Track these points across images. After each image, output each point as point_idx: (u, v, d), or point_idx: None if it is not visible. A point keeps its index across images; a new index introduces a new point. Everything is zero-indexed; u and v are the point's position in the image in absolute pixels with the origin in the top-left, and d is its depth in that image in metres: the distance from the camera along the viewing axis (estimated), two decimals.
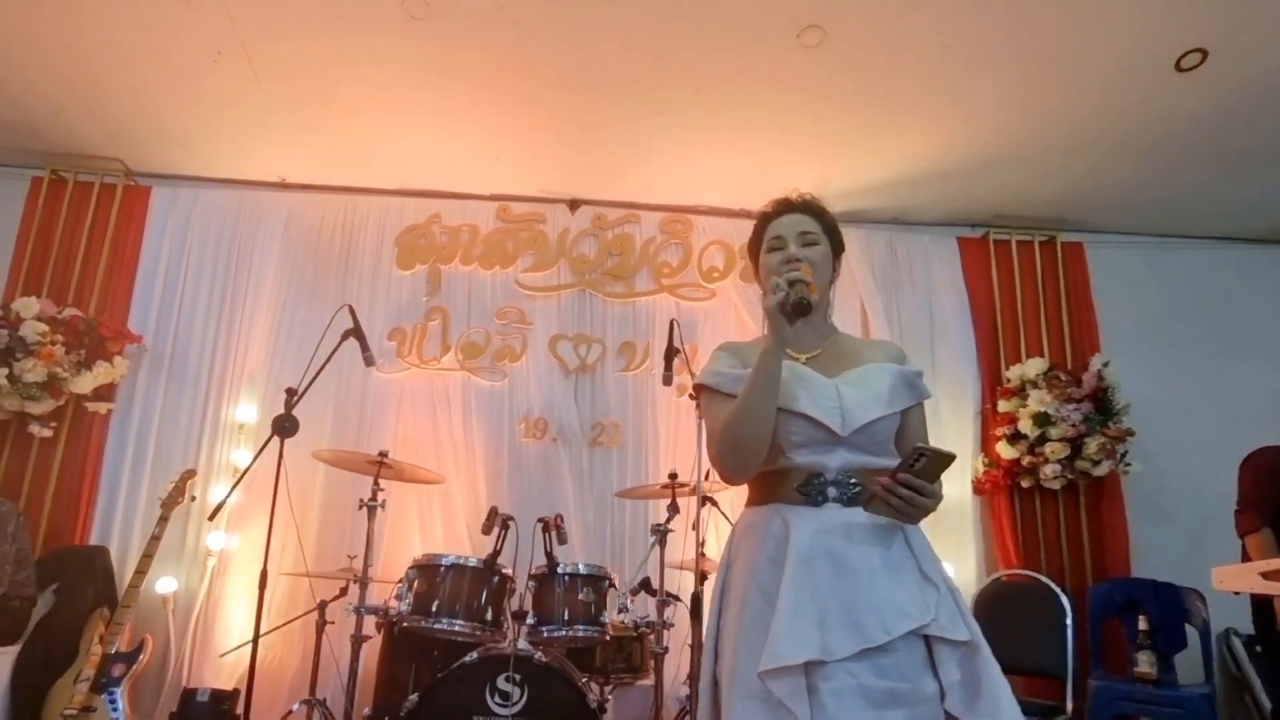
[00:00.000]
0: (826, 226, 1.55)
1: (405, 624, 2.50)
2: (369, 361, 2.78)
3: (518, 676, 2.27)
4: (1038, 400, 3.61)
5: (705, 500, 2.94)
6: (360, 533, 3.07)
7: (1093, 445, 3.54)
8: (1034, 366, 3.73)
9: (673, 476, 2.92)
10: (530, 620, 2.52)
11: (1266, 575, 2.11)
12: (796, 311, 1.31)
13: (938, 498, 1.28)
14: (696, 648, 2.44)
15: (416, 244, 3.94)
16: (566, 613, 2.51)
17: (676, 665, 3.04)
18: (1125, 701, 2.97)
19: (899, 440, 1.44)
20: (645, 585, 2.80)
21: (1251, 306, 4.22)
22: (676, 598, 2.81)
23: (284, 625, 2.89)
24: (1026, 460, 3.63)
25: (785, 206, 1.58)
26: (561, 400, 3.76)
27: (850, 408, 1.37)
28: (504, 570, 2.59)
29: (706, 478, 2.99)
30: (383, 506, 2.74)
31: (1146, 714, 3.02)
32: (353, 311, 2.76)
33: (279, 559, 2.66)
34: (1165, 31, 3.08)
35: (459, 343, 3.81)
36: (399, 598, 2.56)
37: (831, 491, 1.35)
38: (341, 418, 3.59)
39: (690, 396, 2.82)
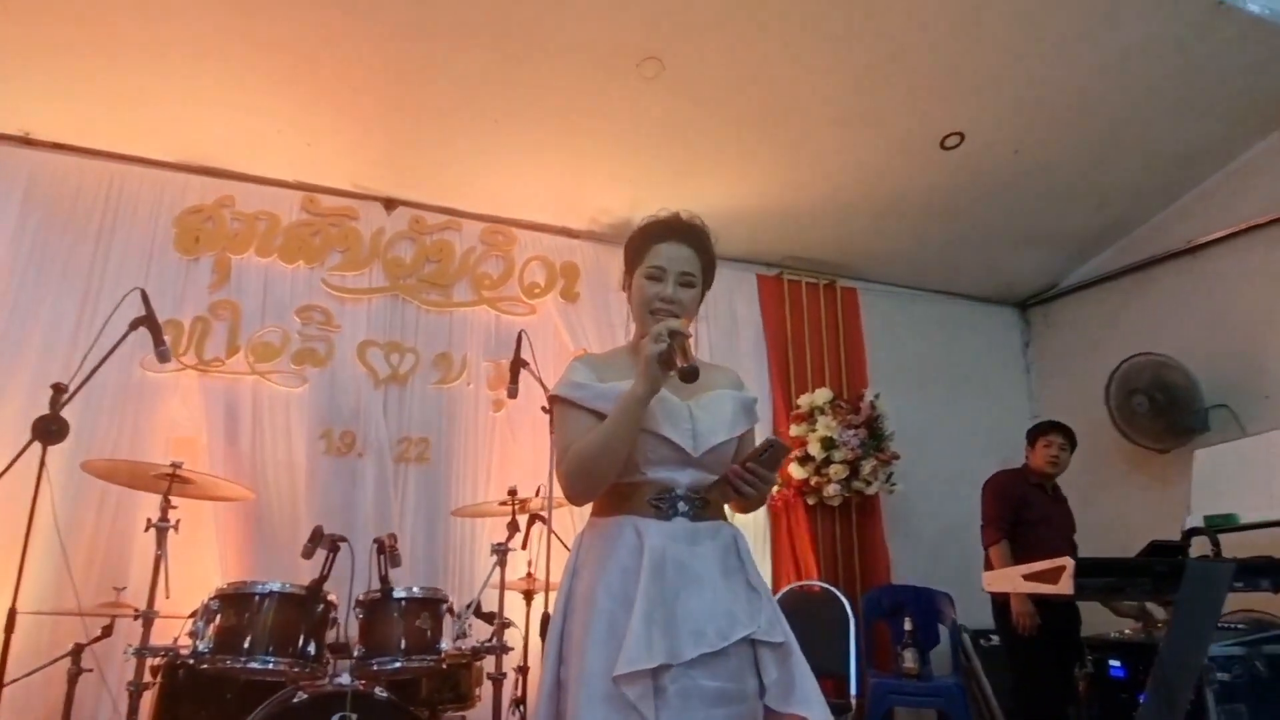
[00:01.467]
0: (705, 265, 1.57)
1: (205, 665, 2.13)
2: (163, 357, 2.36)
3: (354, 716, 2.04)
4: (825, 426, 4.02)
5: (536, 518, 2.89)
6: (126, 561, 2.58)
7: (867, 467, 4.02)
8: (821, 395, 4.16)
9: (512, 493, 2.83)
10: (358, 652, 2.27)
11: (1028, 577, 2.53)
12: (684, 377, 1.34)
13: (774, 484, 1.46)
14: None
15: (202, 227, 3.44)
16: (403, 641, 2.30)
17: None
18: (896, 694, 3.39)
19: (735, 458, 1.55)
20: (475, 608, 2.67)
21: (977, 354, 5.08)
22: (511, 622, 2.70)
23: (24, 678, 2.31)
24: (814, 480, 4.03)
25: (672, 233, 1.53)
26: (369, 411, 3.48)
27: (701, 431, 1.47)
28: (329, 598, 2.32)
29: (537, 494, 2.96)
30: (176, 528, 2.33)
31: (912, 704, 3.46)
32: (145, 297, 2.34)
33: (10, 595, 2.13)
34: (934, 113, 3.66)
35: (250, 342, 3.38)
36: (194, 634, 2.18)
37: (681, 506, 1.44)
38: (93, 421, 3.00)
39: (544, 410, 2.75)
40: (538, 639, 2.57)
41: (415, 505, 3.42)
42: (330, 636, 2.34)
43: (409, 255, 3.78)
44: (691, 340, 1.41)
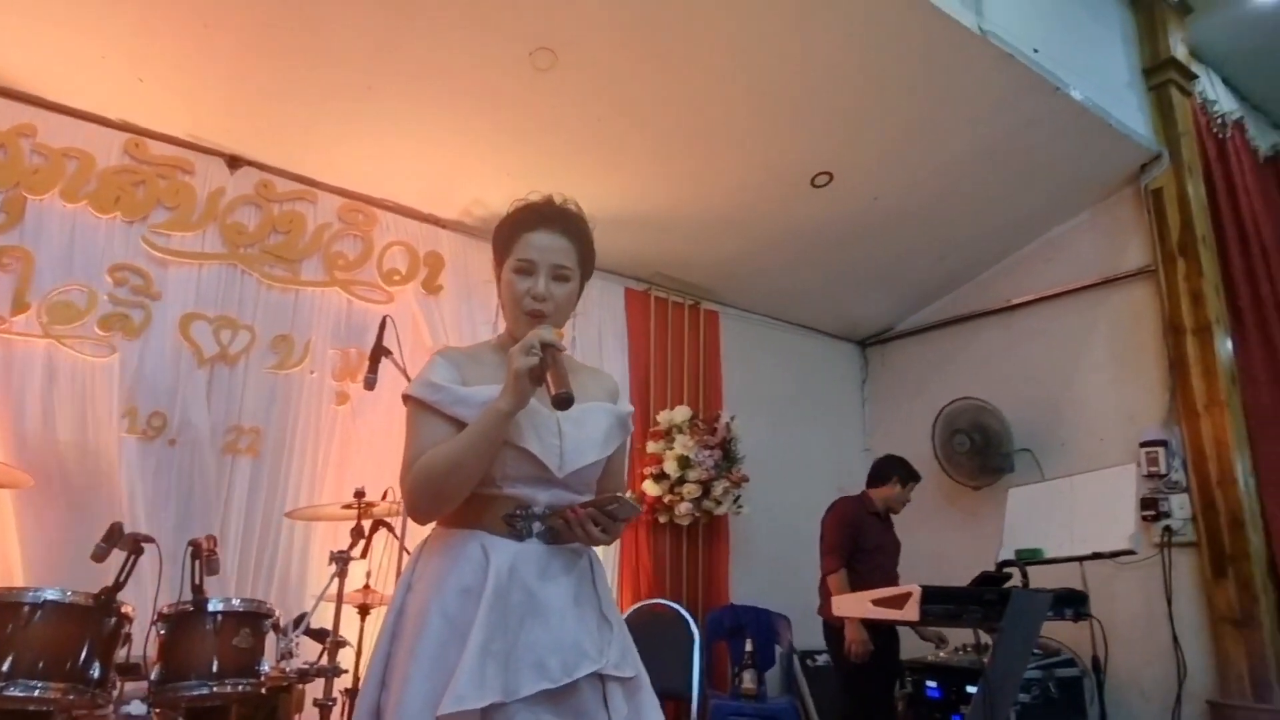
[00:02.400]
0: (582, 257, 1.43)
1: None
2: None
3: None
4: (682, 444, 4.03)
5: (380, 524, 2.64)
6: None
7: (719, 488, 4.06)
8: (680, 414, 4.17)
9: (359, 495, 2.54)
10: (155, 674, 1.92)
11: (875, 603, 2.63)
12: (557, 405, 1.22)
13: (615, 537, 1.37)
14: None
15: None
16: (215, 662, 1.97)
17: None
18: (735, 716, 3.42)
19: (602, 473, 1.46)
20: (299, 624, 2.37)
21: (821, 386, 5.33)
22: (345, 641, 2.41)
23: None
24: (667, 498, 4.01)
25: (544, 220, 1.38)
26: (188, 393, 3.04)
27: (569, 449, 1.35)
28: (124, 610, 1.94)
29: (384, 497, 2.71)
30: None
31: None
32: None
33: None
34: (806, 151, 3.82)
35: (45, 300, 2.85)
36: None
37: (536, 526, 1.32)
38: None
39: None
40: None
41: (242, 504, 3.01)
42: (121, 655, 1.97)
43: (252, 222, 3.37)
44: (566, 351, 1.29)
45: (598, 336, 4.28)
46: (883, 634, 3.40)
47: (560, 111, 3.38)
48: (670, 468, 4.00)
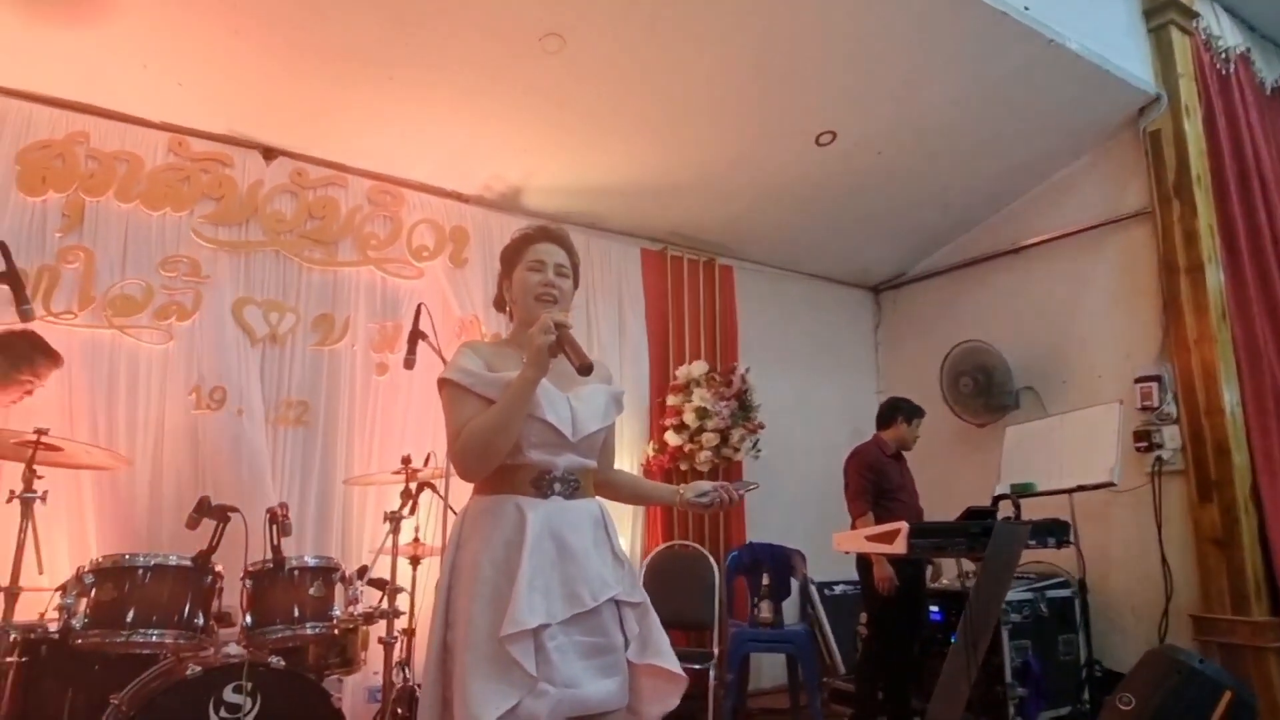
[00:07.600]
0: (574, 264, 1.78)
1: (81, 640, 2.06)
2: (26, 316, 2.17)
3: (249, 685, 2.05)
4: (700, 397, 4.28)
5: (425, 485, 2.95)
6: None
7: (736, 436, 4.33)
8: (698, 368, 4.42)
9: (406, 461, 2.85)
10: (247, 620, 2.27)
11: (870, 538, 2.91)
12: (581, 372, 1.54)
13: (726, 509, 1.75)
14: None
15: (50, 165, 3.13)
16: (295, 609, 2.32)
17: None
18: (753, 641, 3.76)
19: (602, 444, 1.77)
20: (362, 574, 2.72)
21: (835, 333, 5.53)
22: (401, 588, 2.76)
23: None
24: (687, 447, 4.29)
25: (546, 235, 1.76)
26: (241, 371, 3.34)
27: (579, 419, 1.65)
28: (216, 569, 2.28)
29: (426, 462, 3.01)
30: (44, 499, 2.18)
31: (767, 650, 3.85)
32: (6, 250, 2.14)
33: None
34: (811, 112, 3.94)
35: (109, 295, 3.15)
36: (64, 609, 2.09)
37: (558, 486, 1.61)
38: None
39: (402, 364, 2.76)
40: (424, 603, 2.66)
41: (294, 470, 3.35)
42: (215, 607, 2.32)
43: (290, 210, 3.62)
44: (572, 329, 1.59)
45: (616, 297, 4.51)
46: (910, 567, 3.57)
47: (570, 90, 3.54)
48: (689, 419, 4.27)
